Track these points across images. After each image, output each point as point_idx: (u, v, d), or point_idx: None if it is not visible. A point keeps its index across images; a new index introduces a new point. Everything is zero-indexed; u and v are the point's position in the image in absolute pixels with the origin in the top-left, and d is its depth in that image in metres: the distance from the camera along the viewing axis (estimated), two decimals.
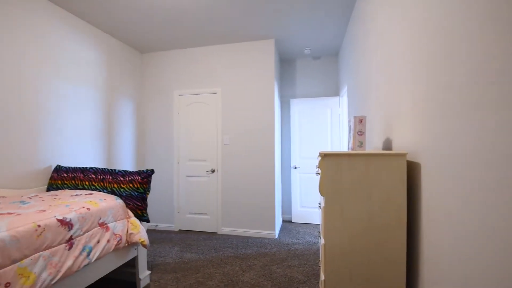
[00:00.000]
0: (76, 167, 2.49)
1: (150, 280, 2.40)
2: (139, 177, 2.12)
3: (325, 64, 4.31)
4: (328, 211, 1.44)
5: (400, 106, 1.55)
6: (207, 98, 3.82)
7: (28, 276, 1.37)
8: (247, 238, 3.52)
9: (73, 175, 2.40)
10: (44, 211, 1.62)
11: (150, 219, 2.29)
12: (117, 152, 3.56)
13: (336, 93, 4.25)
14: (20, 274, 1.34)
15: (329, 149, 4.08)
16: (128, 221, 2.08)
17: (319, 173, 1.51)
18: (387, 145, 1.84)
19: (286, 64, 4.46)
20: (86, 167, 2.43)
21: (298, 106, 4.22)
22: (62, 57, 2.79)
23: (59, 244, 1.55)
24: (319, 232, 1.80)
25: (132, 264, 2.31)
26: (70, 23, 2.89)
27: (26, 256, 1.38)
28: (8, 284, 1.28)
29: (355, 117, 1.70)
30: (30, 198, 2.03)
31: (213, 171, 3.74)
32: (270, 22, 3.14)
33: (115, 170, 2.28)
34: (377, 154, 1.38)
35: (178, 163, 3.91)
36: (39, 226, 1.46)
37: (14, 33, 2.33)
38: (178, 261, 2.81)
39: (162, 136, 4.01)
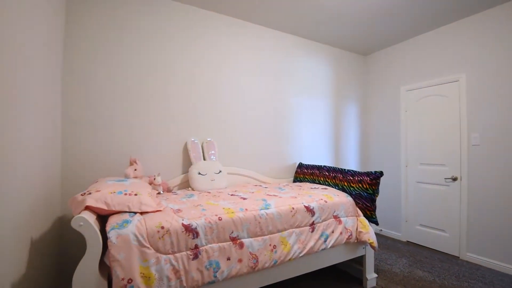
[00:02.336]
0: (313, 164, 2.98)
1: (377, 284, 2.35)
2: (368, 178, 2.15)
3: None
4: None
5: None
6: (444, 88, 3.15)
7: (286, 245, 1.80)
8: (511, 276, 2.49)
9: (311, 171, 2.89)
10: (295, 197, 2.07)
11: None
12: (343, 153, 3.85)
13: None
14: (281, 241, 1.79)
15: None
16: (357, 219, 2.17)
17: None
18: None
19: None
20: (321, 165, 2.83)
21: None
22: (300, 75, 3.46)
23: (305, 226, 1.91)
24: None
25: (359, 261, 2.38)
26: (302, 46, 3.52)
27: (285, 229, 1.83)
28: (274, 247, 1.76)
29: None
30: (284, 186, 2.68)
31: (454, 179, 3.01)
32: None
33: (344, 169, 2.47)
34: None
35: (407, 166, 3.53)
36: (293, 208, 1.89)
37: (270, 69, 3.23)
38: (407, 275, 2.53)
39: (387, 136, 3.81)
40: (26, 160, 1.42)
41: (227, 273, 1.54)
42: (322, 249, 1.96)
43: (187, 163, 2.60)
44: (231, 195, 2.14)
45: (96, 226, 1.29)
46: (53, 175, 1.93)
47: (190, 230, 1.47)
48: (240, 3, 2.68)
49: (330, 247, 1.99)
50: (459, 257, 2.98)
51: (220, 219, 1.59)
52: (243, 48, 3.02)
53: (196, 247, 1.48)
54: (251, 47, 3.07)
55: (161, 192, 2.21)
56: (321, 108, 3.64)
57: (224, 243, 1.57)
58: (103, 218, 1.52)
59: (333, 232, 2.02)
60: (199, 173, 2.45)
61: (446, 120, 3.13)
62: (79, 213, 1.32)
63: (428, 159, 3.30)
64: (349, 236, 2.08)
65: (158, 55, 2.52)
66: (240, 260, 1.59)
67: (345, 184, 2.36)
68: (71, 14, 2.16)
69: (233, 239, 1.60)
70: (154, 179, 2.18)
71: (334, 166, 3.65)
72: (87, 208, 1.39)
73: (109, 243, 1.28)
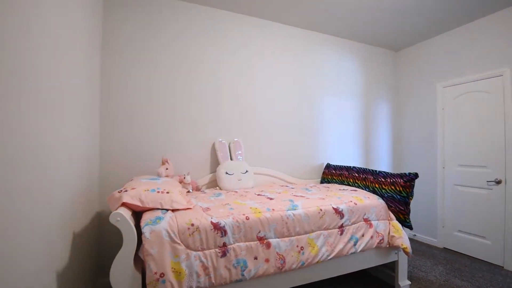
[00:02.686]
0: (342, 165, 2.90)
1: None
2: (402, 180, 2.05)
3: None
4: None
5: None
6: (485, 84, 2.91)
7: (314, 247, 1.77)
8: None
9: (339, 172, 2.82)
10: (323, 198, 2.03)
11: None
12: (373, 154, 3.70)
13: None
14: (309, 243, 1.76)
15: None
16: (389, 223, 2.08)
17: None
18: None
19: None
20: (350, 166, 2.75)
21: None
22: (327, 74, 3.38)
23: (333, 228, 1.87)
24: None
25: (391, 267, 2.28)
26: (328, 43, 3.43)
27: (312, 231, 1.80)
28: (302, 248, 1.73)
29: None
30: (311, 187, 2.64)
31: (498, 182, 2.77)
32: None
33: (376, 170, 2.37)
34: None
35: (444, 168, 3.31)
36: (321, 210, 1.85)
37: (296, 67, 3.19)
38: (443, 284, 2.37)
39: (422, 136, 3.60)
40: (69, 159, 1.53)
41: (254, 272, 1.55)
42: (352, 253, 1.90)
43: (215, 163, 2.65)
44: (258, 195, 2.15)
45: (131, 222, 1.36)
46: (92, 173, 2.07)
47: (219, 228, 1.50)
48: (262, 2, 2.67)
49: (360, 251, 1.93)
50: (503, 266, 2.73)
51: (247, 218, 1.60)
52: (267, 48, 3.01)
53: (224, 245, 1.50)
54: (276, 47, 3.06)
55: (191, 190, 2.28)
56: (350, 106, 3.53)
57: (251, 242, 1.58)
58: (137, 214, 1.59)
59: (363, 235, 1.95)
60: (227, 173, 2.49)
61: (488, 118, 2.89)
62: (116, 209, 1.40)
63: (467, 160, 3.07)
64: (380, 240, 2.00)
65: (184, 57, 2.60)
66: (267, 260, 1.60)
67: (376, 186, 2.27)
68: (108, 19, 2.30)
69: (260, 239, 1.61)
70: (184, 178, 2.25)
71: (364, 167, 3.52)
72: (123, 204, 1.47)
73: (143, 238, 1.34)
